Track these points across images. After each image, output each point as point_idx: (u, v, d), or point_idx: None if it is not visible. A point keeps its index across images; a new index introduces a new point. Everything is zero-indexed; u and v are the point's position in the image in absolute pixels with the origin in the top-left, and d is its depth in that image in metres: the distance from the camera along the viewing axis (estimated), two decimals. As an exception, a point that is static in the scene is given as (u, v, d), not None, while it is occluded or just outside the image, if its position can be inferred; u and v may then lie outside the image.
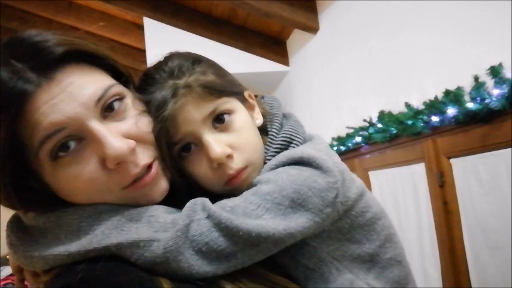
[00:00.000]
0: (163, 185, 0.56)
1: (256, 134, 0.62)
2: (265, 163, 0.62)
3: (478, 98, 1.48)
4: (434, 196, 1.74)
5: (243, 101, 0.63)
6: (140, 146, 0.53)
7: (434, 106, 1.68)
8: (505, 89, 1.40)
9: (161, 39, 3.10)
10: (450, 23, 1.71)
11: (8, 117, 0.47)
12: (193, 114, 0.56)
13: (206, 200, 0.54)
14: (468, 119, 1.53)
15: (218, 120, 0.58)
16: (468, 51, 1.61)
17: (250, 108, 0.64)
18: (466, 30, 1.63)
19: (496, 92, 1.43)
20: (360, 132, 2.23)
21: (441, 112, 1.65)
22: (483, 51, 1.53)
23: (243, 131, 0.59)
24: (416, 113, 1.80)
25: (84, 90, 0.50)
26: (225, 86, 0.59)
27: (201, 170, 0.58)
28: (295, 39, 3.20)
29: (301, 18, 2.77)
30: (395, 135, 1.95)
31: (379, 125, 2.05)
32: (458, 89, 1.57)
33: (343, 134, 2.36)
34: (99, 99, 0.51)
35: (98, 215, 0.51)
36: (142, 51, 3.43)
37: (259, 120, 0.65)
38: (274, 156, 0.61)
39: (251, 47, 3.19)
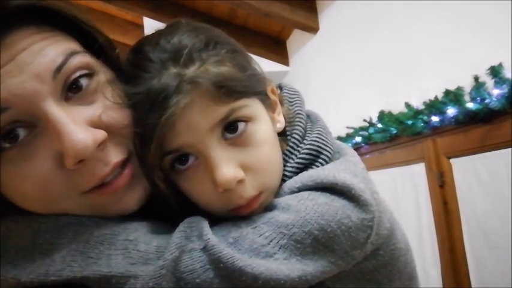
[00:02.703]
0: (139, 191, 0.43)
1: (277, 149, 0.47)
2: (283, 180, 0.48)
3: (478, 98, 1.48)
4: (434, 196, 1.74)
5: (265, 100, 0.47)
6: (112, 139, 0.40)
7: (434, 106, 1.68)
8: (505, 89, 1.40)
9: (161, 39, 3.10)
10: (450, 23, 1.71)
11: None
12: (198, 119, 0.40)
13: (205, 224, 0.41)
14: (468, 119, 1.53)
15: (230, 128, 0.42)
16: (468, 51, 1.62)
17: (271, 107, 0.49)
18: (466, 30, 1.63)
19: (496, 92, 1.43)
20: (360, 132, 2.23)
21: (441, 112, 1.65)
22: (483, 51, 1.53)
23: (262, 146, 0.44)
24: (416, 113, 1.80)
25: (40, 57, 0.37)
26: (246, 82, 0.43)
27: (200, 191, 0.44)
28: (295, 39, 3.20)
29: (301, 18, 2.77)
30: (395, 135, 1.95)
31: (379, 125, 2.05)
32: (458, 89, 1.57)
33: (343, 134, 2.36)
34: (58, 69, 0.37)
35: (59, 231, 0.39)
36: (142, 51, 3.43)
37: (280, 124, 0.50)
38: (294, 173, 0.48)
39: (251, 47, 3.19)
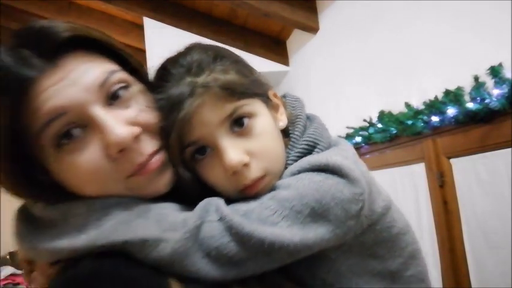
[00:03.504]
0: (168, 175, 0.53)
1: (278, 139, 0.57)
2: (286, 168, 0.57)
3: (478, 98, 1.48)
4: (434, 196, 1.74)
5: (267, 102, 0.58)
6: (145, 134, 0.51)
7: (434, 106, 1.68)
8: (505, 89, 1.40)
9: (161, 39, 3.09)
10: (450, 23, 1.71)
11: (10, 103, 0.45)
12: (209, 116, 0.51)
13: (220, 201, 0.51)
14: (468, 119, 1.53)
15: (237, 123, 0.53)
16: (468, 51, 1.62)
17: (273, 108, 0.59)
18: (466, 30, 1.63)
19: (496, 92, 1.43)
20: (360, 132, 2.23)
21: (441, 112, 1.65)
22: (483, 51, 1.53)
23: (263, 136, 0.54)
24: (416, 113, 1.80)
25: (87, 74, 0.48)
26: (247, 86, 0.53)
27: (214, 176, 0.54)
28: (295, 39, 3.20)
29: (301, 18, 2.77)
30: (395, 135, 1.95)
31: (379, 125, 2.05)
32: (458, 89, 1.57)
33: (343, 134, 2.36)
34: (103, 84, 0.49)
35: (107, 209, 0.49)
36: (142, 51, 3.43)
37: (283, 122, 0.60)
38: (295, 161, 0.57)
39: (251, 47, 3.19)
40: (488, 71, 1.44)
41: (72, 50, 0.49)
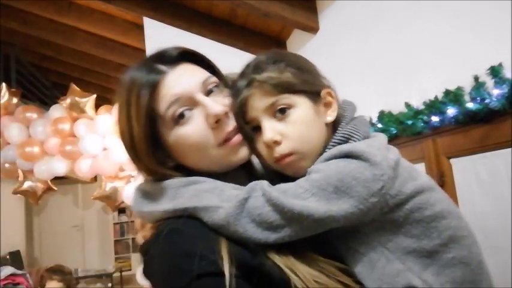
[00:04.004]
0: (245, 151, 0.72)
1: (315, 128, 0.69)
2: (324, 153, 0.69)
3: (478, 98, 1.48)
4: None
5: (315, 98, 0.70)
6: (230, 116, 0.71)
7: (434, 106, 1.68)
8: (505, 89, 1.40)
9: (161, 39, 3.09)
10: (450, 23, 1.71)
11: (147, 95, 0.68)
12: (258, 103, 0.68)
13: (265, 182, 0.64)
14: (468, 119, 1.53)
15: (281, 111, 0.68)
16: (468, 51, 1.62)
17: (326, 105, 0.72)
18: (466, 30, 1.63)
19: (496, 92, 1.43)
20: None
21: (441, 112, 1.65)
22: (483, 51, 1.53)
23: (298, 123, 0.68)
24: (416, 113, 1.80)
25: (195, 75, 0.71)
26: (293, 84, 0.68)
27: (260, 149, 0.71)
28: (295, 39, 3.20)
29: (301, 18, 2.77)
30: (395, 135, 1.95)
31: (379, 125, 2.05)
32: (458, 89, 1.57)
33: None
34: (203, 82, 0.71)
35: (188, 185, 0.67)
36: (142, 51, 3.43)
37: (331, 117, 0.71)
38: (331, 149, 0.67)
39: (251, 47, 3.19)
40: (488, 71, 1.44)
41: (183, 61, 0.73)
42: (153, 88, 0.69)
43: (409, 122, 1.83)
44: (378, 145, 0.65)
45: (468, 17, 1.61)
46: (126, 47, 4.02)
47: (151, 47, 3.11)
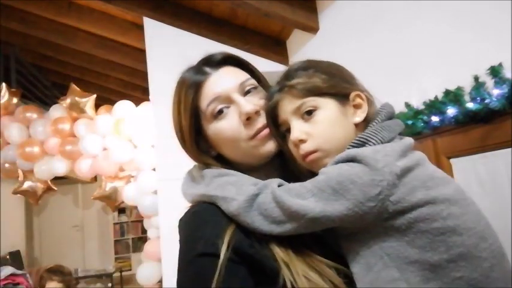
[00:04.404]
0: (272, 144, 0.80)
1: (340, 127, 0.74)
2: None
3: (478, 98, 1.48)
4: (434, 196, 1.74)
5: (342, 100, 0.75)
6: (261, 115, 0.80)
7: (434, 106, 1.68)
8: (505, 89, 1.40)
9: (161, 39, 3.09)
10: (450, 23, 1.71)
11: (193, 93, 0.80)
12: (287, 106, 0.75)
13: (277, 180, 0.71)
14: (468, 119, 1.53)
15: (308, 113, 0.73)
16: (468, 51, 1.61)
17: (356, 106, 0.76)
18: (466, 30, 1.63)
19: (496, 92, 1.43)
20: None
21: (441, 112, 1.65)
22: (483, 51, 1.53)
23: (322, 123, 0.72)
24: (416, 113, 1.79)
25: (234, 77, 0.81)
26: (319, 87, 0.73)
27: (290, 147, 0.77)
28: (295, 39, 3.20)
29: (301, 18, 2.77)
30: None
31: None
32: (458, 89, 1.57)
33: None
34: (242, 84, 0.81)
35: (219, 176, 0.75)
36: (142, 51, 3.43)
37: (359, 118, 0.75)
38: (341, 153, 0.70)
39: (251, 47, 3.19)
40: (488, 71, 1.44)
41: (226, 65, 0.83)
42: (198, 87, 0.80)
43: (409, 122, 1.82)
44: (387, 151, 0.65)
45: (468, 17, 1.61)
46: (126, 47, 4.02)
47: (151, 47, 3.11)
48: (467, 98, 1.54)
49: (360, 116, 0.76)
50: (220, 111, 0.79)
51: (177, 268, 0.72)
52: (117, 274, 7.27)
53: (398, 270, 0.60)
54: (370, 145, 0.69)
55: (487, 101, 1.45)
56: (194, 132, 0.82)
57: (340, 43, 2.58)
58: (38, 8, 3.64)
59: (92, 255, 7.91)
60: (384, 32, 2.14)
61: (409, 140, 0.72)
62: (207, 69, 0.82)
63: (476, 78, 1.49)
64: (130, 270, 7.65)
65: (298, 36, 3.10)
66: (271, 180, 0.72)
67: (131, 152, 3.51)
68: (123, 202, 3.74)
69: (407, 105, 1.86)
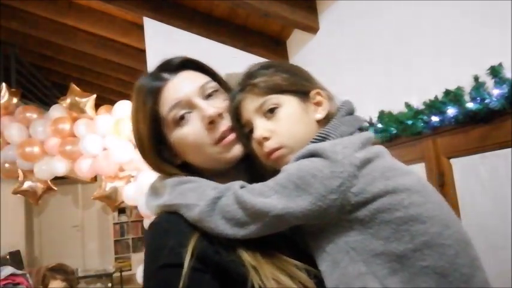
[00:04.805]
0: (239, 148, 0.78)
1: (302, 124, 0.74)
2: None
3: (478, 98, 1.48)
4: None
5: (304, 97, 0.75)
6: (227, 115, 0.78)
7: (434, 106, 1.68)
8: (505, 89, 1.40)
9: (161, 39, 3.10)
10: (450, 24, 1.71)
11: (152, 100, 0.77)
12: (249, 105, 0.74)
13: (239, 182, 0.70)
14: (468, 119, 1.53)
15: (270, 110, 0.73)
16: (468, 51, 1.62)
17: (317, 104, 0.76)
18: (466, 30, 1.63)
19: (496, 92, 1.43)
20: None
21: (441, 112, 1.65)
22: (483, 51, 1.53)
23: (284, 120, 0.72)
24: (416, 113, 1.80)
25: (193, 81, 0.79)
26: (280, 85, 0.74)
27: (253, 146, 0.76)
28: (295, 39, 3.20)
29: (301, 18, 2.77)
30: (395, 135, 1.95)
31: (379, 125, 2.05)
32: (458, 89, 1.57)
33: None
34: (202, 87, 0.78)
35: (181, 184, 0.74)
36: (142, 51, 3.43)
37: (321, 115, 0.75)
38: (302, 149, 0.70)
39: (251, 47, 3.19)
40: (488, 71, 1.44)
41: (185, 69, 0.81)
42: (156, 94, 0.77)
43: (409, 122, 1.83)
44: (345, 144, 0.65)
45: (468, 17, 1.61)
46: (126, 47, 4.02)
47: (151, 47, 3.11)
48: (467, 98, 1.54)
49: (321, 113, 0.75)
50: (182, 117, 0.76)
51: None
52: (117, 274, 7.27)
53: (364, 264, 0.59)
54: (330, 140, 0.69)
55: (487, 101, 1.45)
56: (154, 141, 0.79)
57: (340, 43, 2.58)
58: (38, 8, 3.64)
59: (92, 255, 7.91)
60: (384, 32, 2.14)
61: (368, 134, 0.70)
62: (165, 74, 0.79)
63: (476, 78, 1.49)
64: (130, 270, 7.65)
65: (298, 36, 3.10)
66: (233, 183, 0.71)
67: (131, 152, 3.51)
68: (123, 202, 3.74)
69: (407, 105, 1.86)
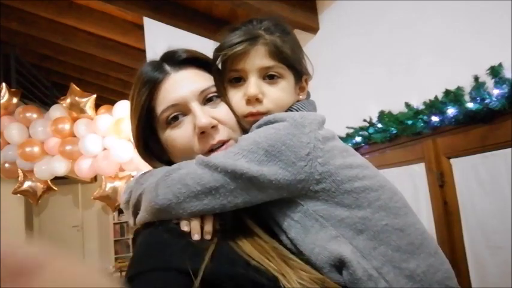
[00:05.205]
0: None
1: (289, 100, 0.74)
2: None
3: (478, 98, 1.48)
4: (435, 196, 1.74)
5: (297, 78, 0.76)
6: (222, 127, 0.73)
7: (434, 106, 1.68)
8: (505, 89, 1.40)
9: (161, 39, 3.10)
10: (450, 23, 1.71)
11: (147, 92, 0.73)
12: (257, 60, 0.71)
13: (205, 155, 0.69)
14: (468, 119, 1.54)
15: (271, 76, 0.72)
16: (468, 51, 1.62)
17: (301, 89, 0.78)
18: (466, 30, 1.63)
19: (496, 92, 1.43)
20: (360, 132, 2.23)
21: (441, 112, 1.65)
22: (483, 51, 1.53)
23: (280, 91, 0.73)
24: (416, 113, 1.80)
25: (195, 83, 0.74)
26: (290, 57, 0.73)
27: (234, 99, 0.74)
28: (295, 39, 3.20)
29: (301, 18, 2.78)
30: (396, 135, 1.95)
31: (379, 125, 2.05)
32: (458, 89, 1.57)
33: (343, 134, 2.36)
34: (203, 91, 0.74)
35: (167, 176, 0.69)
36: (142, 51, 3.43)
37: (302, 97, 0.78)
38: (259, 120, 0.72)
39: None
40: (488, 71, 1.44)
41: (190, 65, 0.76)
42: (154, 86, 0.74)
43: (409, 122, 1.83)
44: (311, 119, 0.68)
45: (468, 17, 1.61)
46: (126, 47, 4.02)
47: (151, 47, 3.11)
48: (467, 98, 1.54)
49: (303, 96, 0.78)
50: (176, 118, 0.73)
51: None
52: (117, 274, 7.27)
53: (334, 228, 0.64)
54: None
55: (487, 101, 1.45)
56: (143, 133, 0.76)
57: (340, 43, 2.58)
58: (38, 8, 3.64)
59: (91, 255, 7.91)
60: (384, 32, 2.14)
61: (323, 116, 0.74)
62: (167, 67, 0.75)
63: (476, 78, 1.49)
64: (130, 270, 7.65)
65: (298, 36, 3.08)
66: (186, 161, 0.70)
67: (131, 151, 3.51)
68: (123, 202, 3.74)
69: (407, 105, 1.86)
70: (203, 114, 0.71)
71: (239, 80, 0.74)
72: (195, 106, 0.72)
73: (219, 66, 0.76)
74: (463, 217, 1.62)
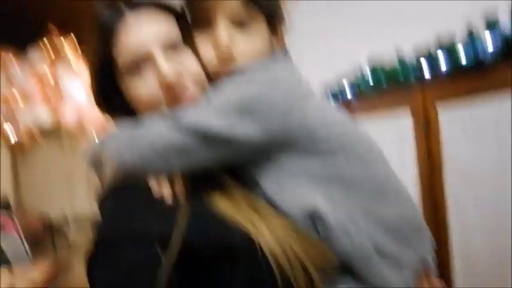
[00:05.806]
0: None
1: (263, 48, 0.68)
2: None
3: (470, 47, 1.47)
4: (420, 144, 1.75)
5: (272, 28, 0.71)
6: (189, 79, 0.65)
7: (425, 55, 1.66)
8: (497, 38, 1.39)
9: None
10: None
11: (103, 37, 0.65)
12: (231, 5, 0.64)
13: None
14: (459, 69, 1.52)
15: (242, 23, 0.65)
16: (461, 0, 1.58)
17: (277, 40, 0.73)
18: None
19: (488, 41, 1.41)
20: (349, 83, 2.20)
21: (432, 61, 1.63)
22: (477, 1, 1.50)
23: (255, 41, 0.67)
24: (406, 63, 1.77)
25: (158, 25, 0.65)
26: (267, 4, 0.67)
27: (201, 44, 0.67)
28: None
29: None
30: (385, 86, 1.94)
31: (369, 73, 2.03)
32: (451, 38, 1.55)
33: (333, 84, 2.34)
34: (166, 36, 0.65)
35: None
36: None
37: (278, 49, 0.73)
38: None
39: None
40: (482, 20, 1.41)
41: (151, 5, 0.66)
42: (110, 31, 0.65)
43: (400, 71, 1.81)
44: (282, 71, 0.66)
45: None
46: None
47: None
48: (459, 48, 1.52)
49: (279, 48, 0.73)
50: (136, 66, 0.65)
51: None
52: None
53: (308, 179, 0.62)
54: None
55: (479, 50, 1.44)
56: (101, 84, 0.69)
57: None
58: None
59: (80, 200, 8.01)
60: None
61: (300, 72, 0.72)
62: (125, 8, 0.66)
63: (469, 27, 1.47)
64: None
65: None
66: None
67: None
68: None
69: (397, 53, 1.83)
70: (167, 64, 0.63)
71: (206, 25, 0.66)
72: (158, 52, 0.64)
73: (185, 9, 0.68)
74: (446, 168, 1.64)
